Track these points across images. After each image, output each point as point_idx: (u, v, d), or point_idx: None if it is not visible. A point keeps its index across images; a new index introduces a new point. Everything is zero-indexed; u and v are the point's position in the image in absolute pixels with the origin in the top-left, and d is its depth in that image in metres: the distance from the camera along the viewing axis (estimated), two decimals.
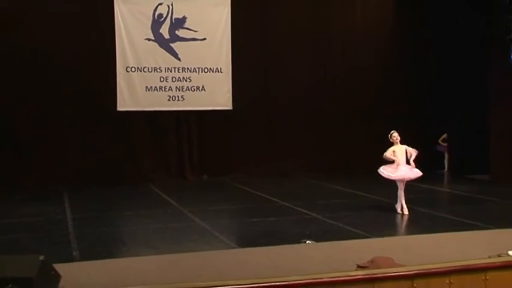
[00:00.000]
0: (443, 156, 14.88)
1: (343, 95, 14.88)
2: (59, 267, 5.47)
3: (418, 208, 9.79)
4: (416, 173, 9.31)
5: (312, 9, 14.79)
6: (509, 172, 12.49)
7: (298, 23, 14.59)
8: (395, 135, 9.33)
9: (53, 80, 12.93)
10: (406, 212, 9.34)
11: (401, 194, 9.40)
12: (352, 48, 15.03)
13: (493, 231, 7.75)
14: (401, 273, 5.07)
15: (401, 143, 9.43)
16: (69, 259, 6.63)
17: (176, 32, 13.76)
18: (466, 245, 6.77)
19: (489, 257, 5.75)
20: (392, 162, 9.29)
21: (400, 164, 9.24)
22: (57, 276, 5.29)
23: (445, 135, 14.78)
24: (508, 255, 5.86)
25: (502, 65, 12.47)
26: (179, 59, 13.78)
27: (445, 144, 14.80)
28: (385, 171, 9.37)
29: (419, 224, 8.69)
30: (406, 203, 9.40)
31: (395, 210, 9.42)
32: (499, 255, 5.84)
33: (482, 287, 5.12)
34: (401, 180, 9.37)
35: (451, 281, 5.06)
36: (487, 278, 5.14)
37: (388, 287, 4.96)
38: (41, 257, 5.09)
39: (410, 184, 12.37)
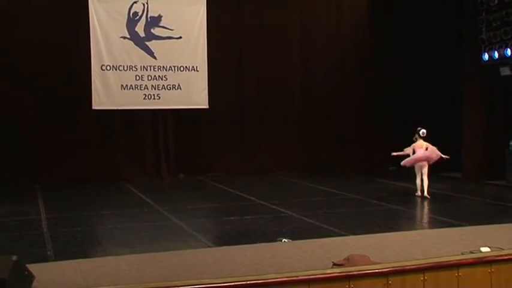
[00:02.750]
0: None
1: (318, 95, 15.01)
2: (33, 267, 5.40)
3: (393, 205, 9.91)
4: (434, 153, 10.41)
5: (288, 8, 14.85)
6: (481, 170, 12.70)
7: (274, 22, 14.63)
8: (423, 132, 10.53)
9: (28, 78, 12.76)
10: (426, 194, 10.45)
11: (419, 181, 10.51)
12: (326, 48, 15.16)
13: (466, 228, 7.88)
14: (377, 271, 5.13)
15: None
16: (44, 259, 6.54)
17: (152, 30, 13.68)
18: (440, 242, 6.86)
19: (462, 254, 5.85)
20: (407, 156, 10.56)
21: (417, 153, 10.43)
22: (30, 277, 5.22)
23: None
24: (480, 251, 5.96)
25: (473, 65, 12.66)
26: (155, 58, 13.70)
27: None
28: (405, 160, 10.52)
29: (394, 221, 8.79)
30: (427, 188, 10.48)
31: (416, 195, 10.58)
32: (471, 252, 5.94)
33: (455, 283, 5.21)
34: (421, 161, 10.43)
35: (426, 277, 5.14)
36: (460, 274, 5.23)
37: (364, 285, 5.01)
38: (14, 258, 5.02)
39: (385, 182, 12.61)
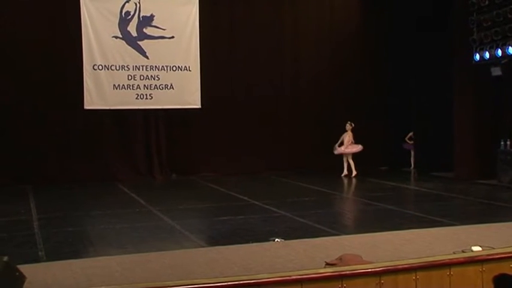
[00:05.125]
0: (410, 154, 15.12)
1: (309, 94, 15.02)
2: (24, 268, 5.37)
3: (385, 205, 9.93)
4: (356, 148, 13.76)
5: (280, 9, 14.87)
6: (472, 170, 12.75)
7: (266, 22, 14.65)
8: (347, 125, 13.80)
9: (19, 78, 12.71)
10: (346, 174, 13.84)
11: (344, 164, 13.90)
12: (317, 47, 15.19)
13: (458, 228, 7.91)
14: (369, 270, 5.14)
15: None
16: (35, 260, 6.51)
17: (144, 30, 13.65)
18: (432, 242, 6.88)
19: (454, 253, 5.87)
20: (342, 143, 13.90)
21: (344, 144, 13.77)
22: (21, 278, 5.18)
23: (411, 134, 15.03)
24: (472, 251, 5.98)
25: (465, 66, 12.71)
26: (147, 57, 13.67)
27: (411, 142, 15.05)
28: (335, 150, 13.92)
29: (387, 221, 8.81)
30: (348, 171, 13.84)
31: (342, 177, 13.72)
32: (463, 251, 5.96)
33: (447, 282, 5.22)
34: (343, 154, 13.96)
35: (418, 276, 5.15)
36: (452, 273, 5.25)
37: (357, 284, 5.01)
38: (5, 258, 4.98)
39: (377, 182, 12.67)
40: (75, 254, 6.83)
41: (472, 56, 12.41)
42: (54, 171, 12.93)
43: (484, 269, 5.35)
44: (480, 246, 6.10)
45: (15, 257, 5.72)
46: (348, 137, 13.82)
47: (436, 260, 5.42)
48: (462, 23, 12.61)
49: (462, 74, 12.94)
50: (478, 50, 12.29)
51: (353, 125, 13.80)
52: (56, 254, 6.80)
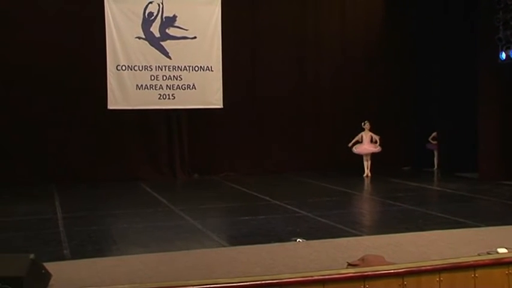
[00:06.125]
0: (433, 155, 14.97)
1: (331, 94, 14.97)
2: (50, 266, 5.45)
3: (408, 206, 9.85)
4: (376, 148, 13.66)
5: (302, 9, 14.85)
6: (497, 170, 12.56)
7: (288, 22, 14.65)
8: (367, 124, 13.66)
9: (43, 79, 12.88)
10: (368, 175, 13.64)
11: (365, 164, 13.74)
12: (340, 48, 15.11)
13: (483, 229, 7.81)
14: (392, 271, 5.10)
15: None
16: (60, 258, 6.60)
17: (167, 30, 13.73)
18: (456, 243, 6.81)
19: (478, 255, 5.79)
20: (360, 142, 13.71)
21: (364, 143, 13.62)
22: (47, 275, 5.27)
23: (434, 134, 14.88)
24: (497, 252, 5.89)
25: (490, 65, 12.54)
26: (170, 58, 13.75)
27: (435, 142, 14.89)
28: (354, 148, 13.69)
29: (410, 221, 8.74)
30: (371, 172, 13.65)
31: (363, 177, 13.57)
32: (488, 253, 5.87)
33: (472, 284, 5.16)
34: (365, 154, 13.72)
35: (441, 278, 5.10)
36: (477, 275, 5.19)
37: (379, 285, 4.98)
38: (31, 256, 5.06)
39: (399, 182, 12.57)
40: (99, 253, 6.91)
41: (498, 55, 12.22)
42: (78, 171, 13.10)
43: (510, 271, 5.27)
44: (506, 248, 6.01)
45: (41, 254, 5.82)
46: (369, 136, 13.70)
47: (461, 262, 5.36)
48: (487, 21, 12.43)
49: (487, 73, 12.76)
50: (503, 48, 12.09)
51: (369, 124, 13.70)
52: (80, 252, 6.89)
